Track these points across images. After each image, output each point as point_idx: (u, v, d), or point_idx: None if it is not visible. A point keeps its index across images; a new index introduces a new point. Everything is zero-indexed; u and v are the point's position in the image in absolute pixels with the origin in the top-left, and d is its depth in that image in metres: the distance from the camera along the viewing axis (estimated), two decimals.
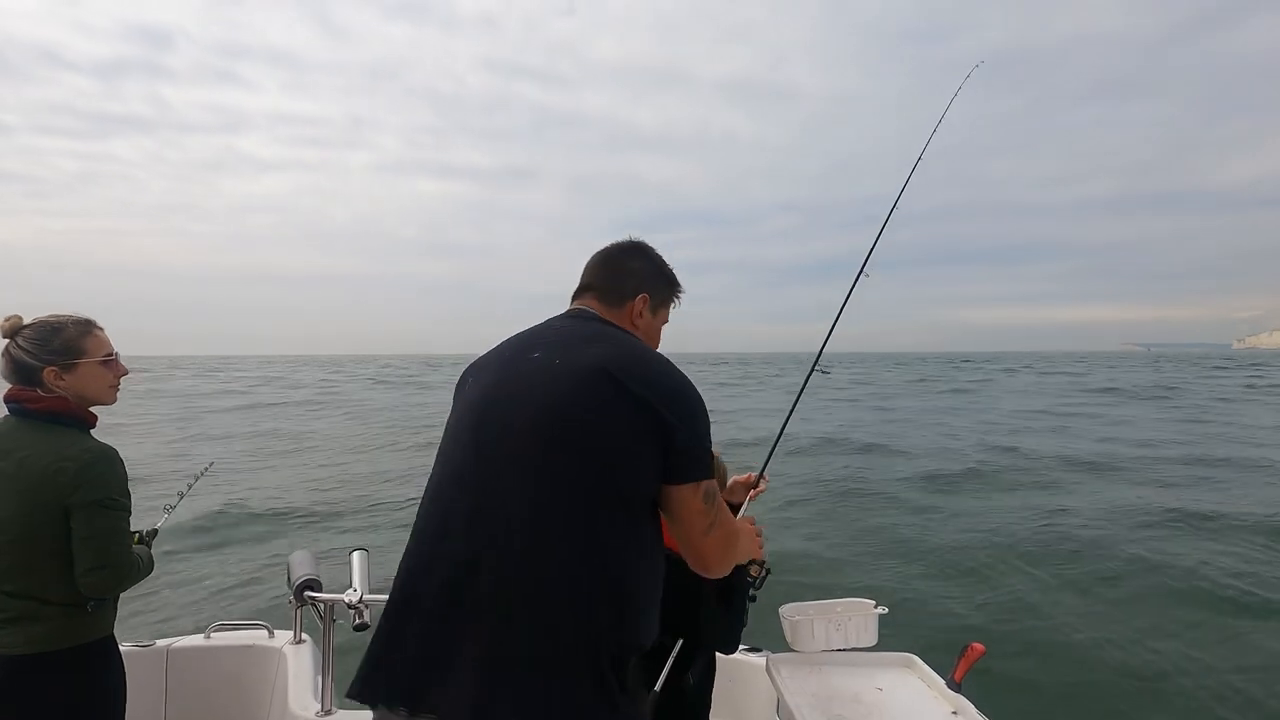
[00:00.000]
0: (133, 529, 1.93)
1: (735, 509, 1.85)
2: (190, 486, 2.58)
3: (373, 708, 1.16)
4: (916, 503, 10.08)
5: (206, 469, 2.88)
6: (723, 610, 1.82)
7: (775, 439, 2.12)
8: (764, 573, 1.79)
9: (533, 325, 1.41)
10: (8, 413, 1.78)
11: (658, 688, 1.59)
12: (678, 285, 1.55)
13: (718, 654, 2.11)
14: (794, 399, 2.18)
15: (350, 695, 1.17)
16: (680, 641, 1.77)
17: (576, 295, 1.48)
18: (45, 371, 1.75)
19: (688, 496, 1.20)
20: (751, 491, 1.90)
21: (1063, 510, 9.55)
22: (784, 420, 2.16)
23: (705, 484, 1.21)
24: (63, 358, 1.76)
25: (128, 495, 1.77)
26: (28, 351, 1.75)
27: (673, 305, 1.56)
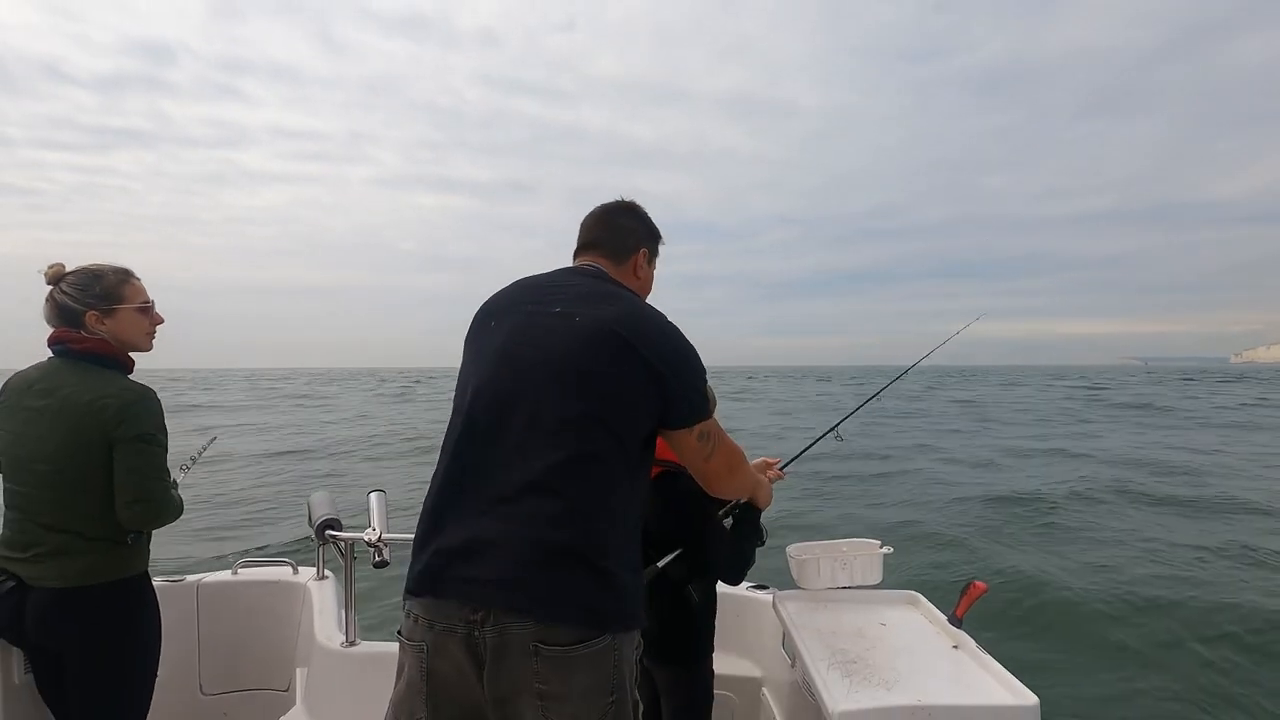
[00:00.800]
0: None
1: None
2: (201, 451, 2.61)
3: (426, 596, 1.30)
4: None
5: (211, 441, 2.91)
6: (728, 532, 1.91)
7: (810, 444, 2.38)
8: (763, 537, 1.96)
9: (551, 272, 1.55)
10: (51, 355, 1.83)
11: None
12: (661, 238, 1.73)
13: (726, 589, 2.18)
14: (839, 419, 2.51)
15: (407, 590, 1.32)
16: (679, 552, 1.87)
17: (581, 251, 1.62)
18: (88, 315, 1.82)
19: (684, 437, 1.43)
20: (770, 471, 2.08)
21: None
22: (824, 432, 2.46)
23: (699, 426, 1.43)
24: (104, 302, 1.84)
25: (165, 434, 1.84)
26: (71, 296, 1.82)
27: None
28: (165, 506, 1.83)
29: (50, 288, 1.83)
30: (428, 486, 1.39)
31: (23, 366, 1.89)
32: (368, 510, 2.28)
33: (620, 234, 1.62)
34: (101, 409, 1.73)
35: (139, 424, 1.76)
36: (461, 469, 1.34)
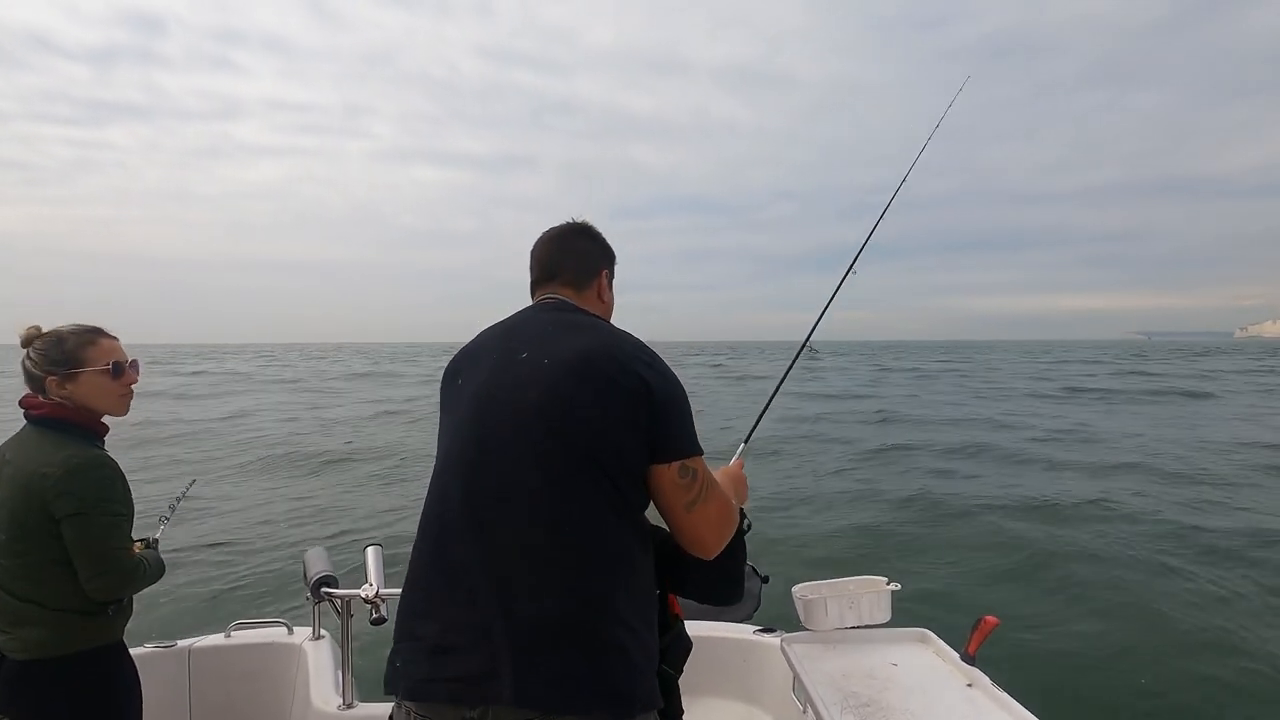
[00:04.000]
0: (145, 537, 1.96)
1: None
2: (179, 500, 2.54)
3: (405, 699, 1.20)
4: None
5: (190, 485, 2.82)
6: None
7: (759, 415, 2.09)
8: (746, 524, 1.64)
9: (512, 315, 1.46)
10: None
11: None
12: (615, 257, 1.62)
13: (731, 633, 2.11)
14: (778, 380, 2.23)
15: (387, 691, 1.22)
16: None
17: (543, 282, 1.52)
18: (47, 381, 1.80)
19: (662, 474, 1.26)
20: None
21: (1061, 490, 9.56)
22: (768, 400, 2.18)
23: (682, 462, 1.26)
24: (63, 368, 1.78)
25: (118, 500, 1.76)
26: (34, 362, 1.81)
27: None
28: (132, 573, 1.76)
29: (24, 352, 1.81)
30: (408, 559, 1.30)
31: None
32: (364, 565, 2.24)
33: (579, 258, 1.52)
34: (41, 479, 1.67)
35: (80, 496, 1.68)
36: (439, 548, 1.24)
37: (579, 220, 1.57)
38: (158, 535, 2.15)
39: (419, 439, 15.37)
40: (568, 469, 1.20)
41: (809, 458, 13.02)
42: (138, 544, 1.91)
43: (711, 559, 1.36)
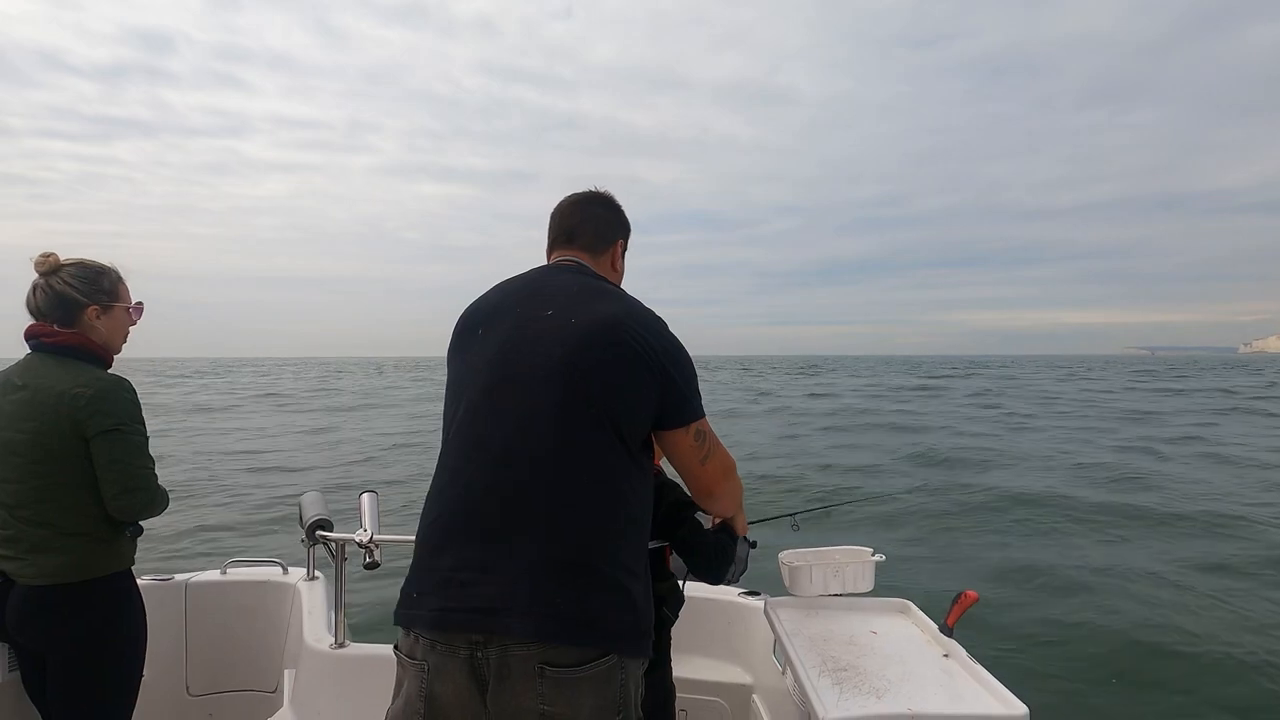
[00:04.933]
0: None
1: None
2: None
3: (419, 627, 1.26)
4: None
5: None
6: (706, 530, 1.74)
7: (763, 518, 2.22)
8: (753, 542, 1.82)
9: (530, 271, 1.51)
10: (30, 350, 1.81)
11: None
12: (631, 229, 1.67)
13: (718, 594, 2.16)
14: None
15: (405, 615, 1.29)
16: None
17: (559, 245, 1.57)
18: (89, 309, 1.81)
19: (680, 437, 1.39)
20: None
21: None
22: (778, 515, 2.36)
23: (694, 425, 1.39)
24: (107, 298, 1.84)
25: (143, 423, 1.82)
26: (75, 288, 1.80)
27: None
28: (155, 494, 1.81)
29: (42, 276, 1.81)
30: (425, 501, 1.36)
31: (19, 355, 1.87)
32: (359, 511, 2.27)
33: (598, 225, 1.58)
34: (74, 399, 1.71)
35: (114, 414, 1.74)
36: (463, 487, 1.30)
37: (601, 190, 1.62)
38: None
39: None
40: (584, 427, 1.27)
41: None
42: None
43: (718, 503, 1.56)
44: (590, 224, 1.57)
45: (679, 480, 1.56)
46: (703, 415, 1.41)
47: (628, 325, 1.32)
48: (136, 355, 1.96)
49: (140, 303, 1.92)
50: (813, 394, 35.39)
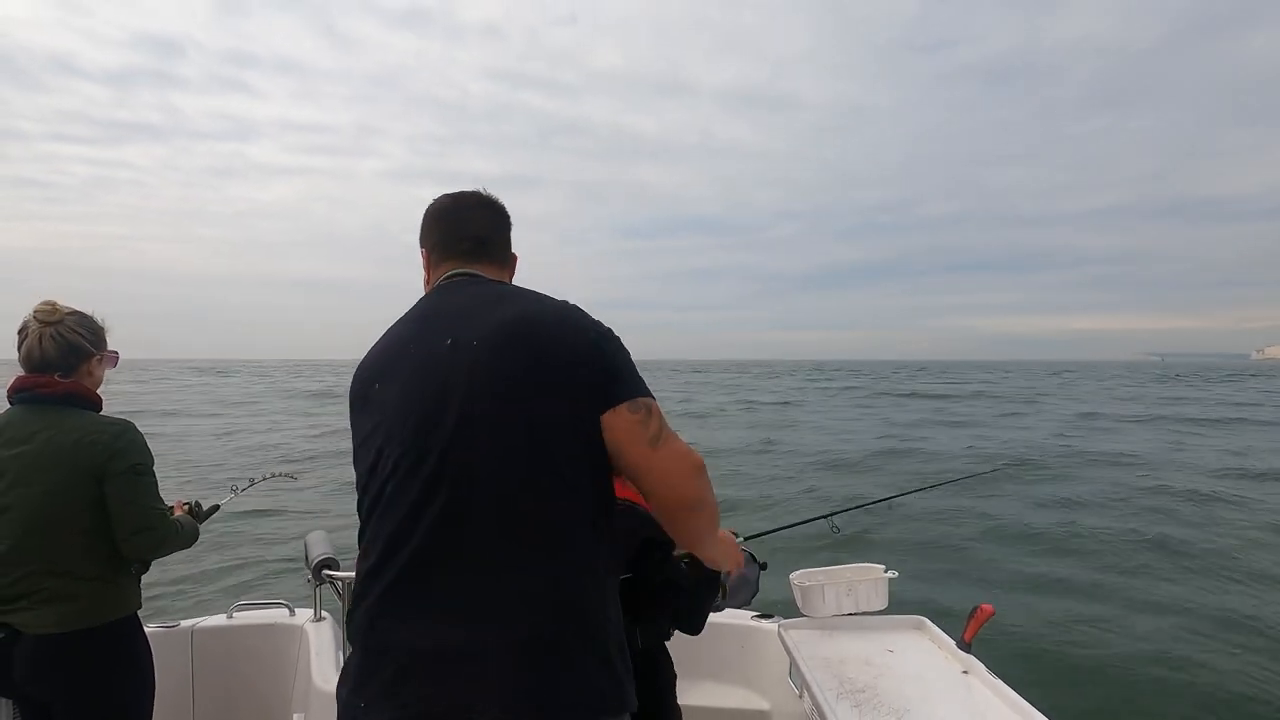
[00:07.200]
0: (195, 500, 2.12)
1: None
2: (266, 478, 2.65)
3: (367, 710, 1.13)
4: None
5: (283, 475, 2.97)
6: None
7: (793, 523, 2.21)
8: (762, 564, 1.73)
9: (415, 306, 1.36)
10: (11, 405, 1.79)
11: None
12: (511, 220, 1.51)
13: (728, 619, 2.12)
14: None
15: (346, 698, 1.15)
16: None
17: (446, 256, 1.39)
18: (93, 359, 1.86)
19: (618, 417, 1.17)
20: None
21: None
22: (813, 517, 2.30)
23: (632, 400, 1.18)
24: (104, 346, 1.91)
25: (153, 462, 1.86)
26: (84, 337, 1.84)
27: None
28: (167, 533, 1.84)
29: (42, 326, 1.79)
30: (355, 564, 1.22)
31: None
32: None
33: (484, 226, 1.41)
34: (91, 445, 1.74)
35: (131, 455, 1.78)
36: (387, 555, 1.15)
37: (475, 189, 1.44)
38: (221, 503, 2.31)
39: None
40: (522, 453, 1.13)
41: None
42: (183, 505, 2.07)
43: (691, 516, 1.24)
44: (476, 226, 1.40)
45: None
46: (645, 393, 1.20)
47: (533, 321, 1.19)
48: (141, 355, 1.97)
49: (116, 351, 1.97)
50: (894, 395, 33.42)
